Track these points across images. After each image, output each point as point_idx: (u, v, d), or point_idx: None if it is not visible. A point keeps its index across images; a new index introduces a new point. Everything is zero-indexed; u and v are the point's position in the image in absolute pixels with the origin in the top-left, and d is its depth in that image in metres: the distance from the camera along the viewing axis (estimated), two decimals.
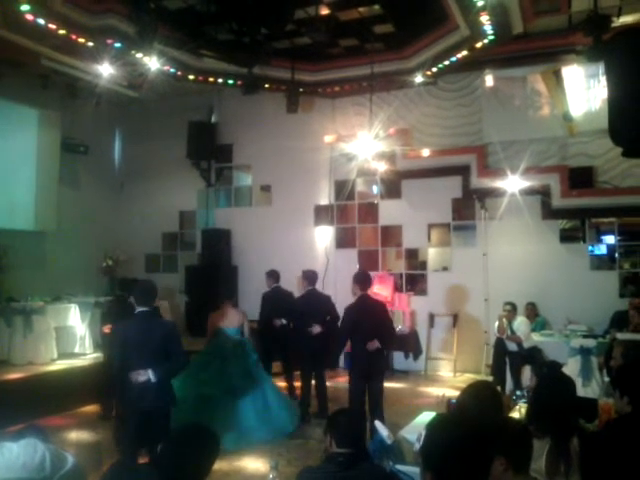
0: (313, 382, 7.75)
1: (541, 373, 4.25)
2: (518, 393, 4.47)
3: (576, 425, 3.24)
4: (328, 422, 3.24)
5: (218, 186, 12.95)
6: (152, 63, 8.78)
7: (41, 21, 7.89)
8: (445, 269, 10.99)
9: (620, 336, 7.46)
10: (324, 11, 8.94)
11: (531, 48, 9.41)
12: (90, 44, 8.55)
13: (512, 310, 8.21)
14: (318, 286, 8.31)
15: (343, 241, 11.77)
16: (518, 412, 4.30)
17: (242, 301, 11.78)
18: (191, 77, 10.21)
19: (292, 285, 9.35)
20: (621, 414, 3.26)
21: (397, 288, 10.88)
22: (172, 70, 9.74)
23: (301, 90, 10.83)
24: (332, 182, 11.74)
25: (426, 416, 4.31)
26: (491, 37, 8.61)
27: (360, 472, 2.99)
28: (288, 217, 11.88)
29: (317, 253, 11.61)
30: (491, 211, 10.28)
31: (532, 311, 9.50)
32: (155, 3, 7.96)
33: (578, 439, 2.99)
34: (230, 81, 10.50)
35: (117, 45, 8.38)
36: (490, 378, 8.62)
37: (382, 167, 11.00)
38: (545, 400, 3.22)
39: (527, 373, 7.51)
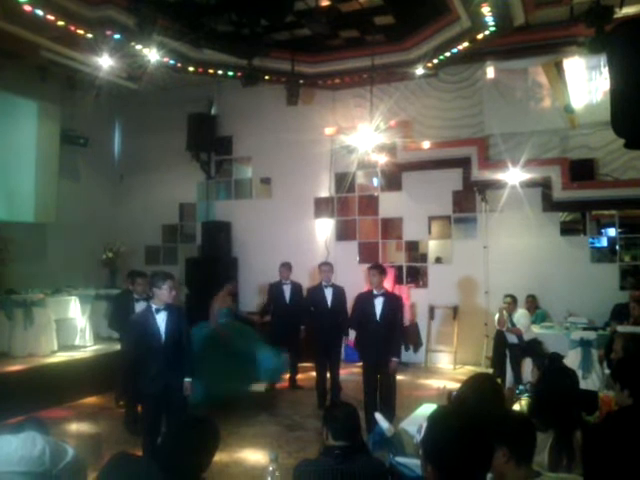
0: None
1: (543, 365, 4.25)
2: (521, 388, 4.46)
3: (579, 418, 3.23)
4: (324, 415, 3.25)
5: (218, 178, 12.92)
6: (151, 55, 8.73)
7: (40, 12, 7.83)
8: (446, 261, 10.98)
9: (620, 329, 7.46)
10: (324, 2, 8.87)
11: (532, 40, 9.34)
12: (89, 35, 8.48)
13: (512, 302, 8.19)
14: (315, 278, 8.40)
15: (343, 233, 11.76)
16: (519, 404, 4.29)
17: (242, 293, 11.83)
18: (191, 69, 10.15)
19: (294, 277, 9.34)
20: (621, 407, 3.26)
21: (397, 280, 10.88)
22: (171, 62, 9.69)
23: (301, 82, 10.78)
24: (332, 174, 11.71)
25: (426, 408, 4.32)
26: (492, 28, 8.55)
27: (357, 465, 3.01)
28: (288, 209, 11.87)
29: (317, 245, 11.60)
30: (492, 203, 10.27)
31: (532, 303, 9.48)
32: None
33: (581, 432, 2.99)
34: (230, 73, 10.45)
35: (116, 37, 8.32)
36: (490, 370, 8.63)
37: (382, 159, 10.97)
38: (548, 393, 3.21)
39: (527, 366, 7.52)
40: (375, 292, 6.65)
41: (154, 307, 5.25)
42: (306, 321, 8.58)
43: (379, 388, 6.66)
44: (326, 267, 8.14)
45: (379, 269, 6.73)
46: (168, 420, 5.10)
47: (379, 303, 6.59)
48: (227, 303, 8.22)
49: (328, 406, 3.42)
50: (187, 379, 5.29)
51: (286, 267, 8.97)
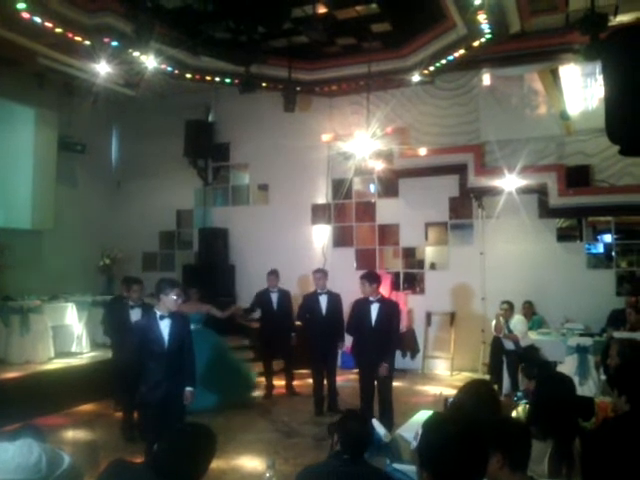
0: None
1: (534, 374, 4.25)
2: (519, 394, 4.46)
3: (577, 426, 3.22)
4: (337, 424, 3.24)
5: (215, 185, 12.93)
6: (149, 62, 8.75)
7: (37, 19, 7.84)
8: (442, 268, 10.99)
9: (617, 335, 7.49)
10: (321, 10, 8.92)
11: (528, 47, 9.40)
12: (87, 42, 8.50)
13: (509, 309, 8.22)
14: (312, 285, 8.42)
15: (340, 240, 11.77)
16: (516, 411, 4.29)
17: (239, 300, 11.81)
18: (188, 76, 10.19)
19: (291, 284, 9.36)
20: (619, 413, 3.26)
21: (394, 287, 10.88)
22: (169, 69, 9.72)
23: (298, 89, 10.80)
24: (329, 181, 11.73)
25: (423, 414, 4.30)
26: (488, 36, 8.61)
27: (361, 468, 3.04)
28: (285, 216, 11.87)
29: (314, 252, 11.60)
30: (488, 210, 10.29)
31: (529, 310, 9.50)
32: (152, 1, 7.93)
33: (580, 440, 2.98)
34: (227, 80, 10.48)
35: (114, 44, 8.34)
36: (487, 377, 8.63)
37: (379, 166, 11.00)
38: (548, 401, 3.18)
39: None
40: (371, 298, 6.65)
41: (158, 314, 5.17)
42: (296, 327, 8.59)
43: (378, 396, 6.65)
44: (319, 274, 8.10)
45: (368, 278, 6.70)
46: (167, 428, 5.06)
47: (374, 309, 6.59)
48: (204, 309, 8.19)
49: (342, 415, 3.41)
50: (189, 388, 5.21)
51: (274, 275, 8.88)
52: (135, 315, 6.73)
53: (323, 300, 7.91)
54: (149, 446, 5.08)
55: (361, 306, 6.75)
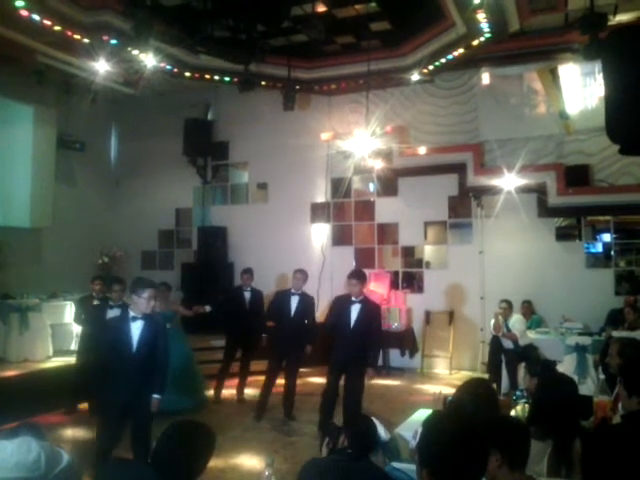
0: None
1: (536, 372, 4.25)
2: (518, 393, 4.45)
3: (577, 426, 3.19)
4: (346, 423, 3.26)
5: (214, 183, 12.93)
6: (148, 60, 8.76)
7: (36, 17, 7.85)
8: (441, 267, 11.00)
9: (616, 334, 7.50)
10: (320, 8, 8.93)
11: (527, 46, 9.42)
12: (86, 40, 8.51)
13: (508, 308, 8.22)
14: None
15: (339, 239, 11.78)
16: (515, 410, 4.29)
17: None
18: (187, 74, 10.20)
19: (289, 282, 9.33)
20: (624, 413, 3.23)
21: (393, 286, 10.88)
22: (168, 67, 9.73)
23: (297, 87, 10.80)
24: (328, 179, 11.73)
25: (422, 413, 4.32)
26: (487, 35, 8.62)
27: (363, 465, 3.07)
28: (284, 214, 11.87)
29: (313, 250, 11.61)
30: (487, 209, 10.30)
31: (528, 309, 9.51)
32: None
33: (580, 440, 2.96)
34: (226, 78, 10.49)
35: (113, 42, 8.34)
36: (486, 376, 8.64)
37: (378, 165, 11.01)
38: (549, 403, 3.17)
39: (523, 371, 7.54)
40: (353, 298, 6.48)
41: (132, 315, 4.93)
42: (267, 329, 8.23)
43: (344, 393, 6.53)
44: (299, 274, 7.61)
45: (359, 278, 6.51)
46: (133, 434, 4.88)
47: (355, 310, 6.43)
48: (173, 308, 7.97)
49: (351, 416, 3.43)
50: (156, 395, 4.92)
51: (248, 273, 8.55)
52: (113, 315, 6.61)
53: (294, 300, 7.49)
54: (99, 449, 4.88)
55: (341, 304, 6.60)
